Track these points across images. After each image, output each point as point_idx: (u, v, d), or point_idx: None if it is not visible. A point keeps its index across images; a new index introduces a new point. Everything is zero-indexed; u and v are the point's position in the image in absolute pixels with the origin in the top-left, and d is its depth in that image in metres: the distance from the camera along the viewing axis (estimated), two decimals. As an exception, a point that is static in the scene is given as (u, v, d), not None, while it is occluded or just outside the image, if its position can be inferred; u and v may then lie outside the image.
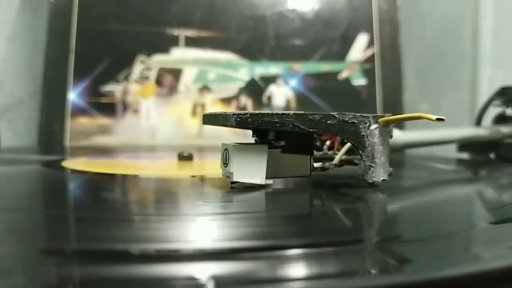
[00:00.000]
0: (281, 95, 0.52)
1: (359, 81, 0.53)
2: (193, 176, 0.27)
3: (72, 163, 0.32)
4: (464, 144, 0.37)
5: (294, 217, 0.17)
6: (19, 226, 0.14)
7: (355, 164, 0.23)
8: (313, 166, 0.22)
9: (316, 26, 0.53)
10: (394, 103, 0.52)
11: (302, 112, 0.20)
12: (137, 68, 0.51)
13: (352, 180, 0.23)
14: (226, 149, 0.21)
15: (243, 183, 0.20)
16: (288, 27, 0.53)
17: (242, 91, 0.52)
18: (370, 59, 0.53)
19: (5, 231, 0.14)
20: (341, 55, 0.53)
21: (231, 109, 0.51)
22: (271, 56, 0.52)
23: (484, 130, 0.35)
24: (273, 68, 0.52)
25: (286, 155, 0.21)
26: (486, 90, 0.51)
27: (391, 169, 0.21)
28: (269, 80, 0.52)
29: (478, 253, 0.13)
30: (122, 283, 0.10)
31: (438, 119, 0.18)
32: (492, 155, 0.37)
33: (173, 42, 0.51)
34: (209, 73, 0.52)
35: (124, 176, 0.27)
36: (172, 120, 0.51)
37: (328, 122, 0.20)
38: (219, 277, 0.10)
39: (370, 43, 0.53)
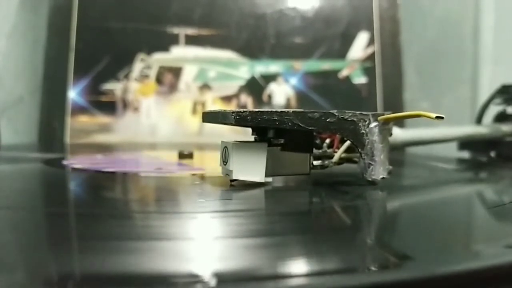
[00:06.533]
0: (281, 93, 0.52)
1: (360, 79, 0.53)
2: (193, 174, 0.27)
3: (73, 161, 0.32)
4: (465, 143, 0.37)
5: (293, 214, 0.17)
6: (20, 224, 0.14)
7: (355, 162, 0.23)
8: (312, 164, 0.22)
9: (316, 24, 0.53)
10: (394, 101, 0.52)
11: (302, 110, 0.20)
12: (137, 66, 0.51)
13: (351, 178, 0.23)
14: (225, 147, 0.21)
15: (243, 181, 0.20)
16: (289, 25, 0.53)
17: (242, 89, 0.52)
18: (371, 57, 0.53)
19: (6, 229, 0.14)
20: (341, 53, 0.53)
21: (232, 107, 0.51)
22: (271, 54, 0.52)
23: (485, 129, 0.35)
24: (273, 66, 0.52)
25: (286, 153, 0.21)
26: (486, 88, 0.51)
27: (390, 167, 0.21)
28: (270, 78, 0.52)
29: (477, 250, 0.13)
30: (123, 280, 0.10)
31: (437, 117, 0.18)
32: (492, 154, 0.36)
33: (173, 40, 0.51)
34: (209, 71, 0.52)
35: (125, 174, 0.27)
36: (172, 118, 0.51)
37: (327, 120, 0.20)
38: (220, 274, 0.10)
39: (371, 41, 0.53)
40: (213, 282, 0.09)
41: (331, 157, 0.22)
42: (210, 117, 0.22)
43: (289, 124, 0.19)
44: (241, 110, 0.19)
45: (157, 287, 0.09)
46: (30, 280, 0.10)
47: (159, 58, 0.51)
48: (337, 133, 0.21)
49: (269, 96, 0.52)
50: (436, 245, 0.13)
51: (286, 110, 0.20)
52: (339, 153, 0.22)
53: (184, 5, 0.52)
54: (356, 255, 0.12)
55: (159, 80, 0.51)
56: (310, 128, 0.20)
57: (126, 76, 0.50)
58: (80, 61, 0.49)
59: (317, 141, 0.23)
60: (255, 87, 0.52)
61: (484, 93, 0.48)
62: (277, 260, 0.11)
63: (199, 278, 0.10)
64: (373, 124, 0.20)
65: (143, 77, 0.51)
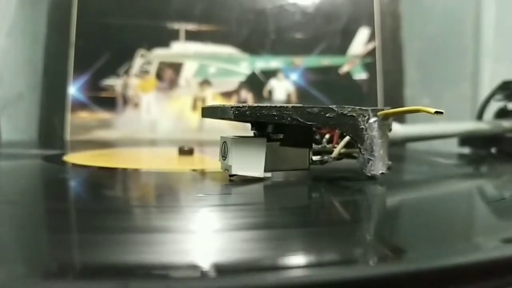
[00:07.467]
0: (281, 89, 0.52)
1: (360, 75, 0.53)
2: (194, 170, 0.27)
3: (73, 157, 0.32)
4: (465, 138, 0.37)
5: (292, 209, 0.17)
6: (20, 220, 0.14)
7: (354, 157, 0.23)
8: (311, 159, 0.21)
9: (317, 20, 0.53)
10: (395, 97, 0.52)
11: (301, 105, 0.20)
12: (138, 62, 0.50)
13: (351, 173, 0.23)
14: (224, 142, 0.21)
15: (242, 176, 0.20)
16: (289, 21, 0.53)
17: (242, 85, 0.52)
18: (371, 53, 0.53)
19: (6, 225, 0.14)
20: (342, 49, 0.53)
21: (232, 103, 0.51)
22: (271, 50, 0.52)
23: (486, 124, 0.35)
24: (273, 62, 0.52)
25: (285, 148, 0.21)
26: (487, 84, 0.51)
27: (390, 162, 0.21)
28: (270, 74, 0.52)
29: (476, 244, 0.13)
30: (122, 272, 0.10)
31: (436, 112, 0.18)
32: (493, 150, 0.36)
33: (174, 36, 0.51)
34: (209, 67, 0.52)
35: (125, 170, 0.27)
36: (172, 114, 0.51)
37: (326, 115, 0.20)
38: (219, 266, 0.10)
39: (371, 37, 0.53)
40: (212, 273, 0.09)
41: (331, 152, 0.22)
42: (209, 112, 0.21)
43: (288, 119, 0.19)
44: (240, 105, 0.19)
45: (156, 279, 0.09)
46: (30, 273, 0.10)
47: (159, 54, 0.51)
48: (336, 128, 0.21)
49: (270, 92, 0.52)
50: (436, 239, 0.13)
51: (285, 105, 0.20)
52: (338, 148, 0.22)
53: (184, 0, 0.52)
54: (356, 248, 0.12)
55: (159, 76, 0.51)
56: (310, 123, 0.20)
57: (126, 72, 0.50)
58: (80, 57, 0.49)
59: (317, 136, 0.23)
60: (256, 83, 0.52)
61: (485, 90, 0.48)
62: (276, 253, 0.11)
63: (199, 270, 0.10)
64: (372, 119, 0.20)
65: (143, 73, 0.51)
